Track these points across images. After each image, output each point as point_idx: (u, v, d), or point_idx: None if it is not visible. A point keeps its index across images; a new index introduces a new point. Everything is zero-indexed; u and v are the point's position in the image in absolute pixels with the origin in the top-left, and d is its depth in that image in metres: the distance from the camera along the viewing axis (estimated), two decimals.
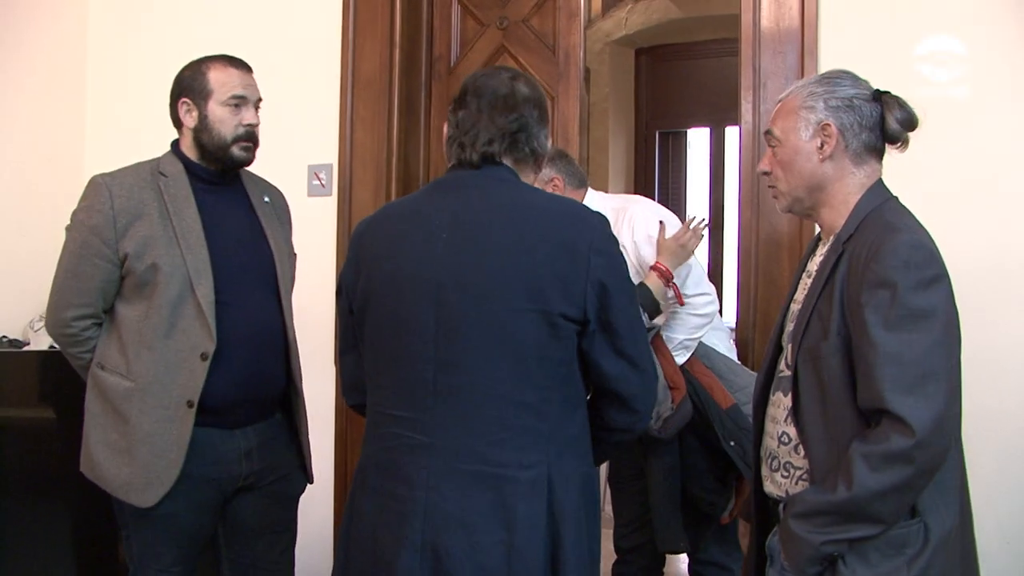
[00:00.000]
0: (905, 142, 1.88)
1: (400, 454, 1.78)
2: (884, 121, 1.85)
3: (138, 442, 2.38)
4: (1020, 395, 2.77)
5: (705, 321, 2.88)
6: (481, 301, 1.74)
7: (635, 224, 2.91)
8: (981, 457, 2.66)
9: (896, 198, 1.89)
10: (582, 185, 3.07)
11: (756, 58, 3.06)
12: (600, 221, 1.83)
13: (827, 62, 2.97)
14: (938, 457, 1.67)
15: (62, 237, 4.08)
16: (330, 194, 3.66)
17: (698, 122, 7.94)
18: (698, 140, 8.20)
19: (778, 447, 1.89)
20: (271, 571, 2.63)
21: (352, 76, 3.59)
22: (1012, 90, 2.81)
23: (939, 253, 1.74)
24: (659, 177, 8.30)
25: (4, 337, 3.90)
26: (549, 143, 1.98)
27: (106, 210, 2.40)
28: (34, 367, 3.67)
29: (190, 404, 2.39)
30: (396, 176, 3.67)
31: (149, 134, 4.09)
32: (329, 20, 3.72)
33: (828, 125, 1.85)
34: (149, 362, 2.39)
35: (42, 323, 4.03)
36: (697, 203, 8.38)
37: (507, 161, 1.88)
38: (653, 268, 2.77)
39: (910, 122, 1.85)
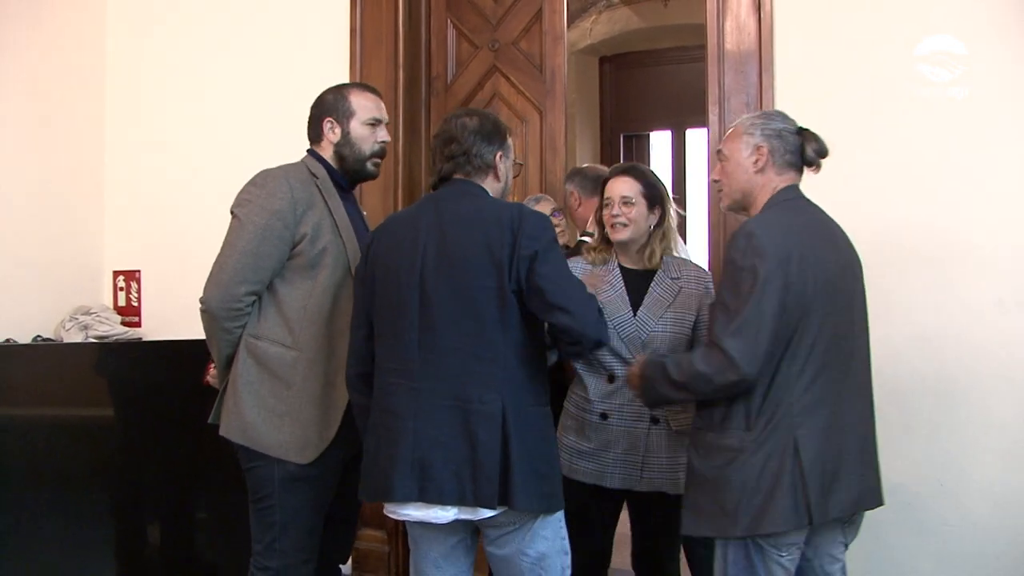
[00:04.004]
0: (819, 166, 2.51)
1: (396, 397, 2.35)
2: (803, 150, 2.48)
3: (302, 405, 2.66)
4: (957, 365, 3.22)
5: None
6: (449, 281, 2.33)
7: None
8: (919, 417, 3.15)
9: (800, 199, 2.48)
10: (595, 193, 3.50)
11: (720, 77, 3.49)
12: (534, 216, 2.41)
13: (781, 77, 3.40)
14: None
15: (87, 241, 4.49)
16: None
17: (660, 125, 8.32)
18: (660, 142, 8.62)
19: None
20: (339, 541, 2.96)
21: None
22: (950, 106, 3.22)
23: (769, 238, 2.31)
24: None
25: (38, 336, 4.18)
26: (500, 154, 2.51)
27: (288, 197, 2.65)
28: (72, 361, 3.84)
29: None
30: (402, 183, 4.07)
31: (167, 143, 4.48)
32: (338, 44, 4.10)
33: (761, 147, 2.47)
34: (315, 335, 2.68)
35: (73, 323, 4.35)
36: None
37: (461, 175, 2.48)
38: None
39: (822, 151, 2.49)
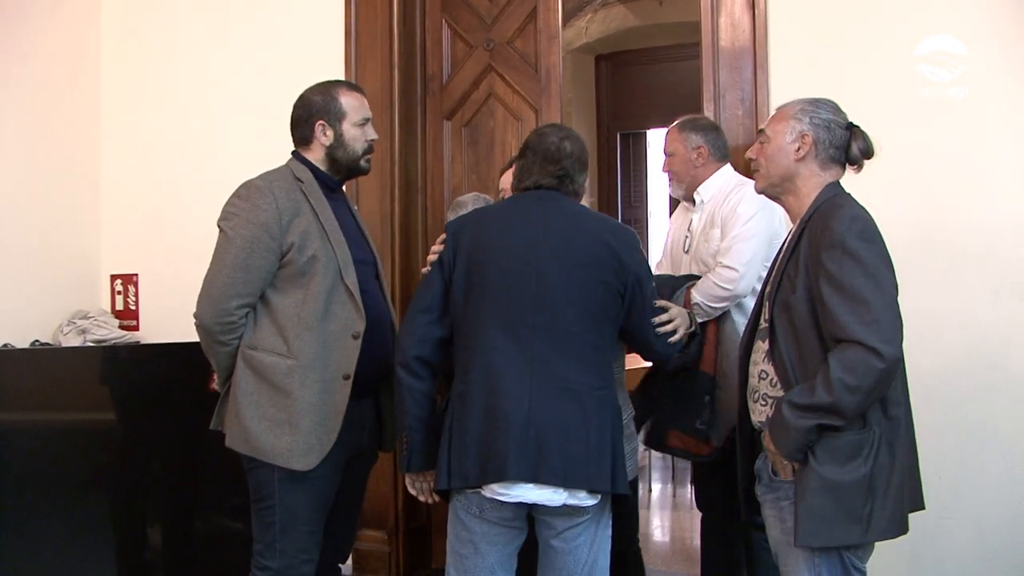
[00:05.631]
0: (861, 166, 2.43)
1: (507, 378, 2.36)
2: (849, 146, 2.39)
3: (301, 413, 2.66)
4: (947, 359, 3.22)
5: (725, 294, 3.02)
6: (567, 272, 2.41)
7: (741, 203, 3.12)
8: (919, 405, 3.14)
9: (848, 193, 2.42)
10: (723, 159, 3.31)
11: (715, 74, 3.51)
12: (632, 231, 2.59)
13: (776, 74, 3.42)
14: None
15: (85, 246, 4.50)
16: None
17: (656, 123, 8.24)
18: (657, 139, 8.61)
19: (758, 383, 2.40)
20: (342, 537, 2.98)
21: None
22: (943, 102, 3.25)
23: (872, 221, 2.28)
24: (621, 175, 8.71)
25: (36, 340, 4.17)
26: (587, 183, 2.65)
27: (272, 209, 2.66)
28: (70, 365, 3.84)
29: (346, 377, 2.70)
30: (398, 184, 4.07)
31: (163, 146, 4.49)
32: (333, 45, 4.11)
33: (807, 135, 2.39)
34: (309, 342, 2.67)
35: (71, 327, 4.35)
36: (657, 198, 8.82)
37: (549, 189, 2.55)
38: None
39: (868, 152, 2.41)
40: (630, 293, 2.46)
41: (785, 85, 3.35)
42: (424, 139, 4.22)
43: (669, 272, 3.38)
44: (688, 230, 3.34)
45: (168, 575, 3.89)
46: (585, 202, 2.78)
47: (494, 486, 2.33)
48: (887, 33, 3.29)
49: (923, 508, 2.41)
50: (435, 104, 4.21)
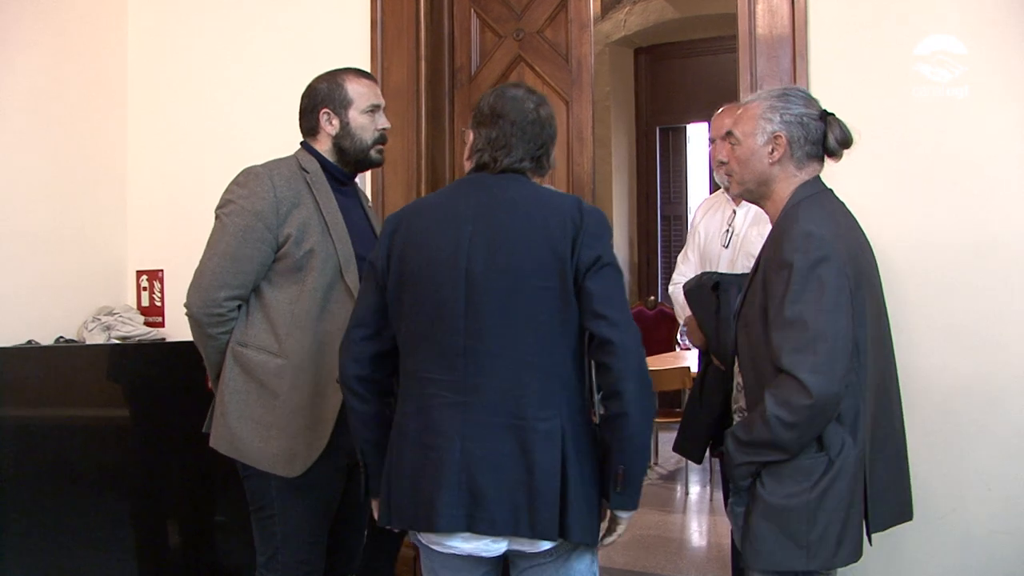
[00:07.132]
0: (840, 156, 2.24)
1: (438, 411, 2.05)
2: (826, 138, 2.21)
3: (289, 415, 2.52)
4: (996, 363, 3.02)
5: None
6: (503, 280, 2.03)
7: None
8: (963, 418, 2.98)
9: (827, 191, 2.23)
10: None
11: (752, 63, 3.35)
12: (595, 211, 2.12)
13: (816, 64, 3.26)
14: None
15: (111, 242, 4.46)
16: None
17: (696, 117, 8.20)
18: (697, 134, 8.51)
19: (736, 395, 2.32)
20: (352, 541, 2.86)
21: (381, 87, 3.86)
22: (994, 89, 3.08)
23: (829, 238, 2.08)
24: (660, 170, 8.61)
25: (60, 337, 4.15)
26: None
27: (270, 197, 2.52)
28: (92, 362, 3.88)
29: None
30: (425, 178, 3.95)
31: (188, 141, 4.44)
32: (359, 37, 4.02)
33: (780, 136, 2.20)
34: (302, 341, 2.53)
35: (96, 324, 4.32)
36: (696, 193, 8.69)
37: (528, 172, 2.18)
38: None
39: (846, 141, 2.22)
40: (579, 289, 2.04)
41: (825, 75, 3.21)
42: (452, 132, 4.12)
43: (696, 266, 3.31)
44: (729, 224, 3.22)
45: (187, 569, 3.89)
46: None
47: (422, 534, 2.10)
48: (934, 18, 3.13)
49: (910, 519, 2.31)
50: (463, 96, 4.10)
